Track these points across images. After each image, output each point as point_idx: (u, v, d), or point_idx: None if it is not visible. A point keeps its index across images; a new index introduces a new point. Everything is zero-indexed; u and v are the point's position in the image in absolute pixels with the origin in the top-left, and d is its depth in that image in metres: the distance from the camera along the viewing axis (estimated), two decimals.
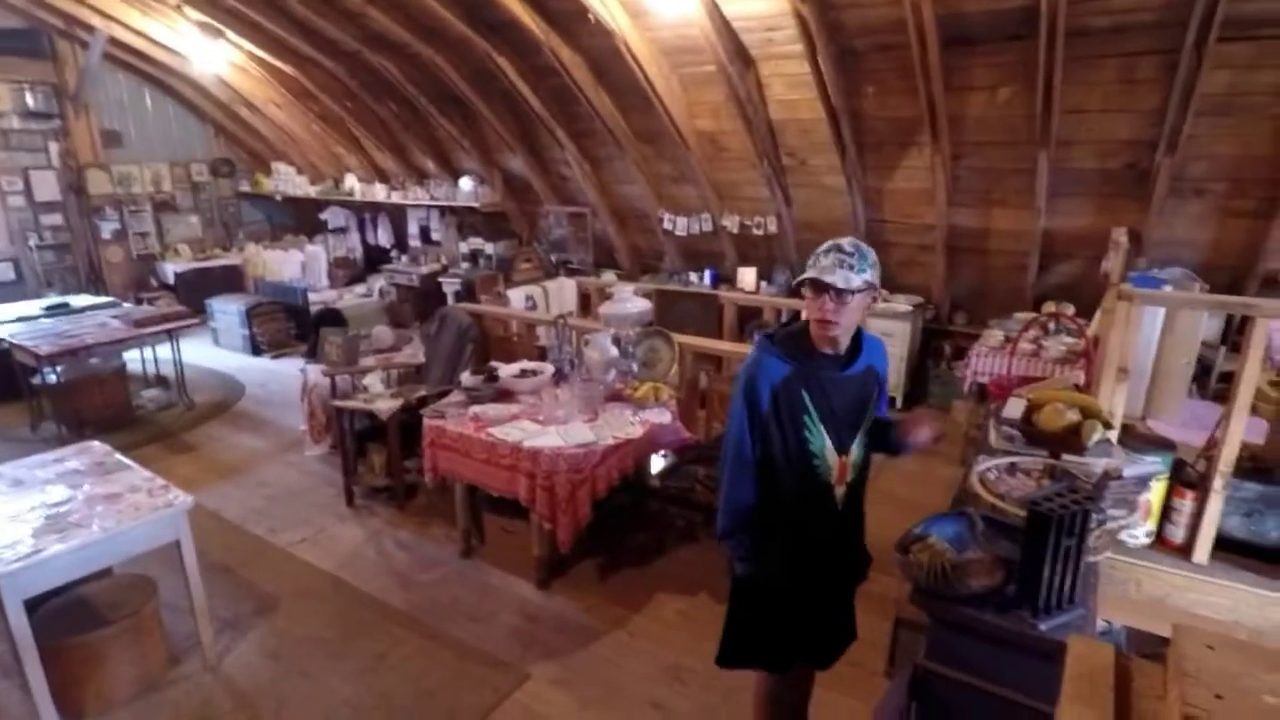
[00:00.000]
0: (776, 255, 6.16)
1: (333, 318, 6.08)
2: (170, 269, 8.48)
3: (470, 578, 3.70)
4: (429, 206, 8.23)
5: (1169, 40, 3.69)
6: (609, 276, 6.76)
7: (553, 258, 7.14)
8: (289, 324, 7.82)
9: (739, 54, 4.76)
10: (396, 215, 8.79)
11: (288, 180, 8.95)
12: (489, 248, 7.55)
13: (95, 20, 6.94)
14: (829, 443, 1.88)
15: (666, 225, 6.43)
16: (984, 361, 4.51)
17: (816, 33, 4.27)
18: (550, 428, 3.43)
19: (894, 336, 5.55)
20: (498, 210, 7.60)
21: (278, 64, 6.82)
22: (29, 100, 7.57)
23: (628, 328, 4.20)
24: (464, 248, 7.70)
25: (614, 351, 3.98)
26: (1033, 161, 4.45)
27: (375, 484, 4.43)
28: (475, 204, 7.45)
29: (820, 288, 1.75)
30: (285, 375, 7.00)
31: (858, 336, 1.90)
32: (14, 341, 5.31)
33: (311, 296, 7.81)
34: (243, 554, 3.98)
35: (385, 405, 4.18)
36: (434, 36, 5.65)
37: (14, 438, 5.49)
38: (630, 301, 4.36)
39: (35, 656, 2.55)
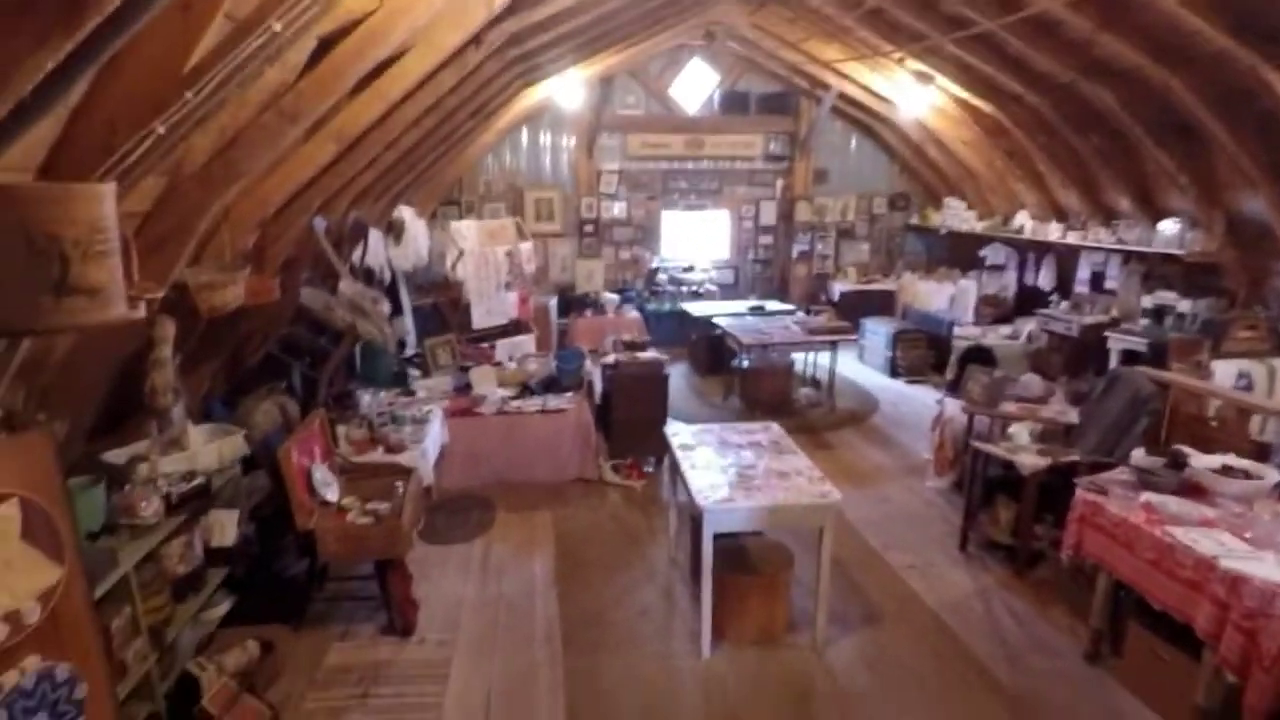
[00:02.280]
0: None
1: (981, 355, 5.95)
2: (837, 287, 9.72)
3: (1093, 691, 3.12)
4: (1108, 250, 7.24)
5: None
6: None
7: None
8: (929, 353, 8.05)
9: None
10: (1065, 257, 8.04)
11: (955, 215, 9.15)
12: (1183, 305, 6.21)
13: (831, 79, 8.34)
14: None
15: None
16: None
17: None
18: (1265, 553, 2.59)
19: None
20: (1207, 261, 6.16)
21: (978, 103, 6.97)
22: (771, 147, 9.65)
23: None
24: (1146, 301, 6.53)
25: None
26: None
27: (996, 538, 4.16)
28: (1178, 251, 6.20)
29: None
30: (916, 400, 7.25)
31: None
32: (728, 330, 6.89)
33: (956, 330, 7.85)
34: (857, 558, 4.28)
35: (1029, 460, 3.86)
36: (1173, 56, 4.85)
37: (711, 403, 7.16)
38: None
39: (710, 580, 3.25)
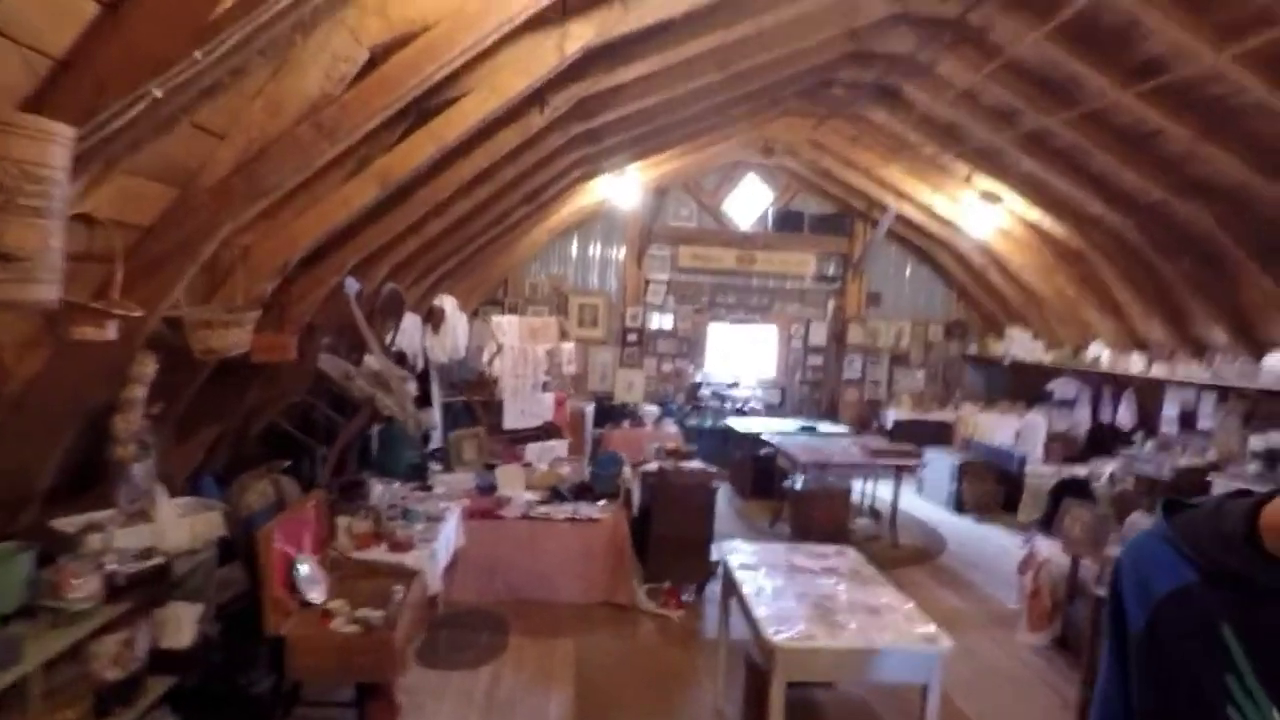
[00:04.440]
0: None
1: (1078, 489, 5.24)
2: (891, 415, 9.11)
3: None
4: (1200, 386, 6.61)
5: None
6: None
7: None
8: (998, 489, 7.30)
9: None
10: (1147, 392, 7.40)
11: (1020, 344, 8.65)
12: None
13: (890, 199, 8.18)
14: None
15: None
16: None
17: None
18: None
19: None
20: None
21: (1050, 224, 6.65)
22: (823, 267, 9.42)
23: None
24: (1255, 443, 5.81)
25: None
26: None
27: None
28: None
29: None
30: (988, 541, 6.46)
31: None
32: (781, 447, 6.28)
33: (1028, 467, 7.15)
34: None
35: None
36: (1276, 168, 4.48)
37: (757, 529, 6.44)
38: None
39: None
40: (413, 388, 4.44)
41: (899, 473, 6.05)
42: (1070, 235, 6.60)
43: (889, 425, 9.04)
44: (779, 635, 2.51)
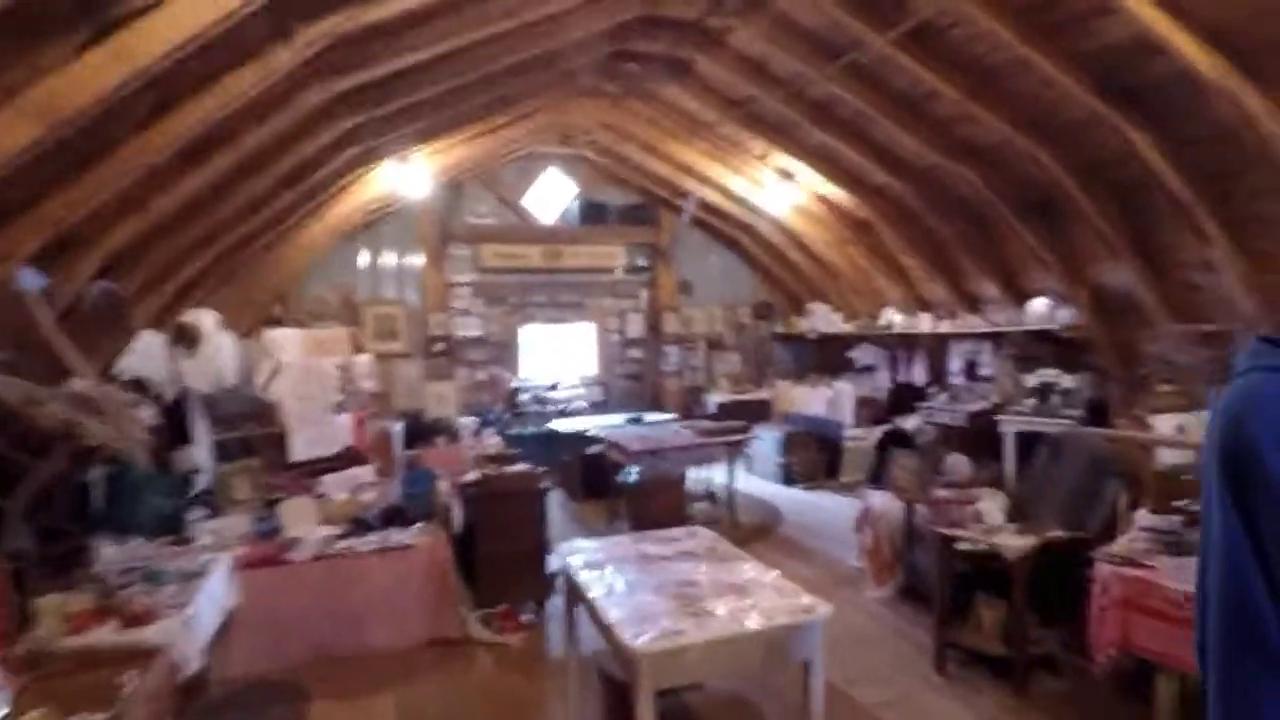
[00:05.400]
0: None
1: (901, 439, 5.39)
2: (712, 399, 9.15)
3: None
4: (978, 337, 7.26)
5: None
6: None
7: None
8: (821, 456, 7.53)
9: None
10: (935, 350, 8.03)
11: (822, 318, 9.07)
12: (1065, 381, 6.13)
13: (692, 184, 8.20)
14: None
15: None
16: None
17: None
18: None
19: None
20: (1079, 337, 6.19)
21: (840, 197, 6.95)
22: (634, 259, 9.27)
23: None
24: (1030, 381, 6.42)
25: None
26: None
27: (983, 649, 3.30)
28: (1050, 327, 6.20)
29: None
30: (820, 506, 6.59)
31: None
32: (611, 439, 5.93)
33: (845, 433, 7.45)
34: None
35: (1015, 542, 3.12)
36: (1040, 126, 4.90)
37: (594, 531, 6.01)
38: None
39: None
40: (147, 415, 3.47)
41: (731, 452, 5.94)
42: (859, 205, 6.94)
43: (712, 409, 9.08)
44: (641, 639, 2.08)
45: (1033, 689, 3.14)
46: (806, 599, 2.29)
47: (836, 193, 7.00)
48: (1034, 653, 3.17)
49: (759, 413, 8.91)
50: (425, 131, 5.58)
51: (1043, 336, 6.45)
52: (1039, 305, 6.34)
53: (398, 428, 7.37)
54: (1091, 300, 6.02)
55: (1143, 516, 2.87)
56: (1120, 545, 2.72)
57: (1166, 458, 3.70)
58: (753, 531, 5.84)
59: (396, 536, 4.10)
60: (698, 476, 6.67)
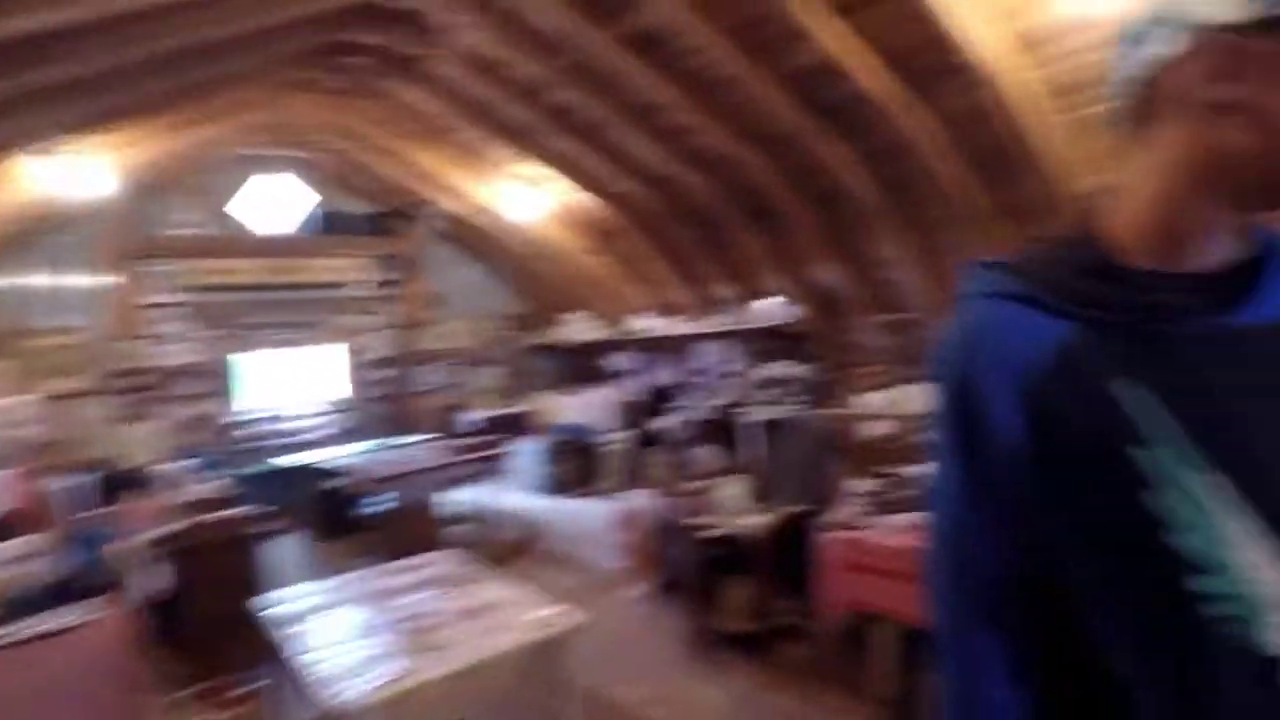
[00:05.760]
0: None
1: (651, 441, 5.50)
2: (471, 416, 8.78)
3: None
4: (720, 337, 7.79)
5: None
6: None
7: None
8: (583, 463, 7.51)
9: None
10: (683, 351, 8.47)
11: (577, 327, 9.15)
12: (793, 370, 6.78)
13: (437, 195, 7.81)
14: (1236, 528, 0.62)
15: None
16: None
17: None
18: None
19: None
20: (800, 331, 6.89)
21: (586, 204, 7.04)
22: (380, 272, 8.61)
23: None
24: (769, 372, 7.00)
25: None
26: None
27: (736, 628, 3.42)
28: (777, 323, 6.82)
29: None
30: (585, 513, 6.53)
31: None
32: (352, 470, 5.36)
33: (603, 438, 7.53)
34: (584, 709, 3.12)
35: (756, 523, 3.27)
36: (756, 138, 5.34)
37: (343, 571, 5.40)
38: None
39: None
40: None
41: (488, 469, 5.68)
42: (606, 212, 7.09)
43: (472, 426, 8.71)
44: (357, 691, 1.78)
45: (778, 658, 3.31)
46: (555, 610, 2.14)
47: (584, 200, 7.08)
48: (778, 624, 3.35)
49: (521, 425, 8.72)
50: (94, 118, 4.61)
51: (775, 333, 7.07)
52: (769, 304, 6.94)
53: (79, 481, 6.04)
54: (809, 297, 6.73)
55: (856, 483, 3.16)
56: (838, 512, 2.96)
57: (874, 430, 4.17)
58: (513, 548, 5.63)
59: (61, 618, 3.25)
60: (456, 498, 6.32)
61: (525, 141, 6.40)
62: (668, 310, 8.27)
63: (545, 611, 2.12)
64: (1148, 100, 0.70)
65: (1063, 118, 4.11)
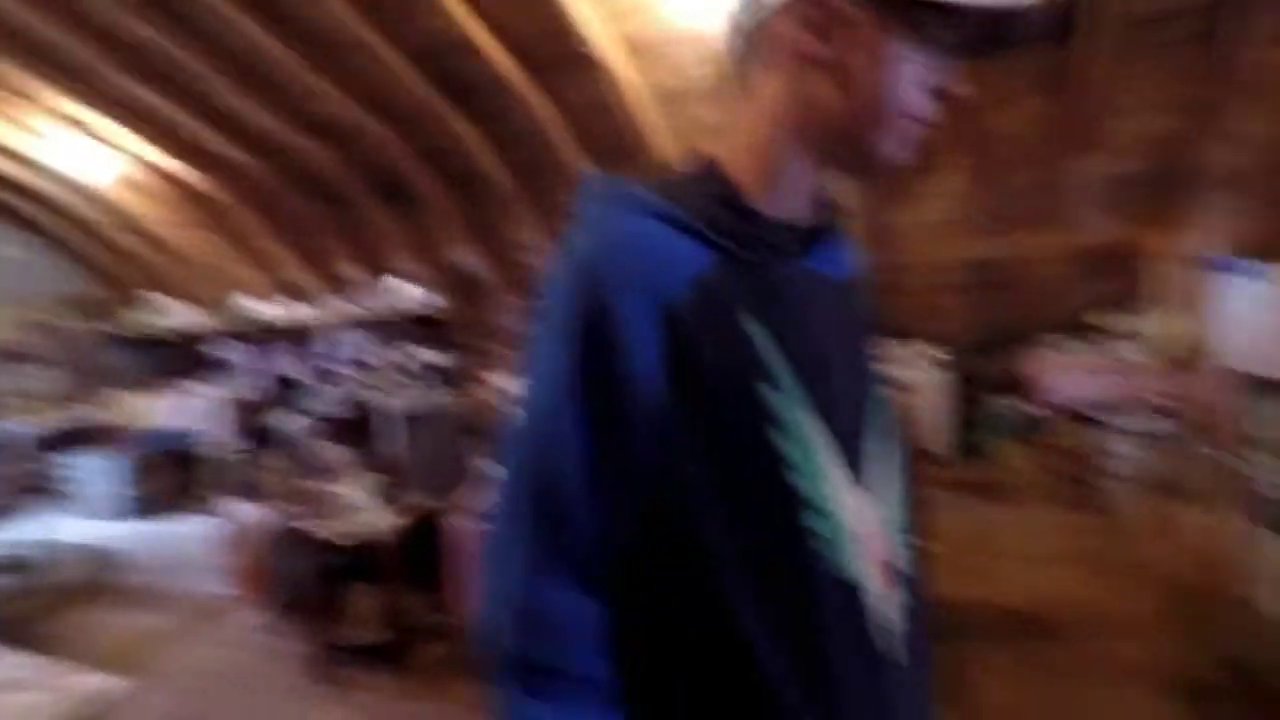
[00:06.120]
0: None
1: (266, 442, 4.79)
2: (22, 430, 6.73)
3: None
4: (355, 323, 7.16)
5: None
6: None
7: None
8: (184, 475, 6.31)
9: None
10: (310, 339, 7.60)
11: (170, 312, 7.61)
12: (433, 358, 6.55)
13: None
14: (829, 465, 0.66)
15: None
16: (1074, 381, 4.02)
17: None
18: None
19: (926, 389, 5.06)
20: (441, 315, 6.67)
21: (182, 171, 5.83)
22: None
23: None
24: (400, 360, 6.64)
25: None
26: (1061, 175, 4.23)
27: (366, 641, 3.13)
28: (412, 309, 6.50)
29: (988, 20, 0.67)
30: (179, 536, 5.48)
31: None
32: None
33: (211, 443, 6.41)
34: None
35: (383, 522, 3.01)
36: (384, 109, 4.92)
37: None
38: None
39: None
40: None
41: (38, 496, 4.38)
42: (207, 183, 5.96)
43: (12, 440, 6.68)
44: None
45: (415, 663, 3.12)
46: (92, 682, 1.65)
47: (176, 166, 5.83)
48: (416, 626, 3.15)
49: (96, 438, 6.96)
50: None
51: (416, 319, 6.73)
52: (409, 288, 6.58)
53: None
54: (447, 280, 6.55)
55: (492, 467, 3.11)
56: (470, 499, 2.88)
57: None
58: (79, 592, 4.44)
59: None
60: None
61: (81, 84, 5.01)
62: (290, 293, 7.34)
63: (86, 684, 1.62)
64: (755, 49, 0.72)
65: (666, 124, 4.57)
